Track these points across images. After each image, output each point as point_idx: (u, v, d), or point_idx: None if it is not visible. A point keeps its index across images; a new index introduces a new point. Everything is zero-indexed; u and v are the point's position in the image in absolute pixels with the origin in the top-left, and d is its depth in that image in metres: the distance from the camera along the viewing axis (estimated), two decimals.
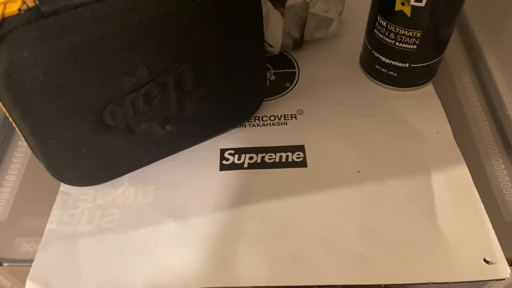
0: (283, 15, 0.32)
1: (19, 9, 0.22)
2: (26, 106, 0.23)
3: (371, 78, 0.35)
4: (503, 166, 0.30)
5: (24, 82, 0.22)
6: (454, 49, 0.37)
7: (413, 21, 0.29)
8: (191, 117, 0.28)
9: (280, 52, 0.36)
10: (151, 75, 0.25)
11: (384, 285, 0.25)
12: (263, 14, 0.27)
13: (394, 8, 0.29)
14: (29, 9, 0.22)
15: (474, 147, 0.31)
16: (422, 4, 0.28)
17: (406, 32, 0.30)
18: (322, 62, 0.36)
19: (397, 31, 0.30)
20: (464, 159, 0.29)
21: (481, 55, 0.36)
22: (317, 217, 0.27)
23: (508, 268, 0.25)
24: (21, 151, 0.31)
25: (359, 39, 0.35)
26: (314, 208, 0.27)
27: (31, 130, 0.24)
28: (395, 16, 0.30)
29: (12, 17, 0.22)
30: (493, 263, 0.25)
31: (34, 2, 0.22)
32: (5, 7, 0.22)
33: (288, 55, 0.36)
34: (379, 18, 0.31)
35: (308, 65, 0.36)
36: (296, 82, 0.35)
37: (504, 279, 0.25)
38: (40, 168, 0.28)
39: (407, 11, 0.29)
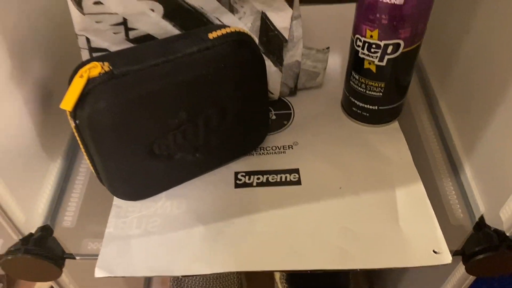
0: (281, 71, 0.42)
1: (99, 73, 0.32)
2: (100, 141, 0.33)
3: (350, 117, 0.44)
4: (450, 183, 0.39)
5: (101, 124, 0.32)
6: (414, 93, 0.47)
7: (378, 75, 0.39)
8: (214, 147, 0.38)
9: (279, 98, 0.46)
10: (188, 117, 0.34)
11: (359, 269, 0.34)
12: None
13: (364, 66, 0.39)
14: (106, 73, 0.32)
15: (428, 168, 0.40)
16: (384, 63, 0.38)
17: (373, 83, 0.40)
18: (311, 105, 0.46)
19: (366, 82, 0.40)
20: (420, 177, 0.39)
21: (435, 97, 0.46)
22: (309, 220, 0.36)
23: (450, 256, 0.34)
24: (82, 175, 0.40)
25: (339, 87, 0.46)
26: (307, 214, 0.37)
27: (101, 158, 0.34)
28: (365, 72, 0.40)
29: (94, 78, 0.31)
30: (439, 253, 0.34)
31: (109, 67, 0.32)
32: (89, 72, 0.32)
33: (285, 100, 0.46)
34: (353, 73, 0.41)
35: (301, 108, 0.46)
36: (292, 120, 0.44)
37: (447, 264, 0.33)
38: (97, 187, 0.38)
39: (373, 68, 0.39)
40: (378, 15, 0.35)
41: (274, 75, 0.42)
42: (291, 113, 0.45)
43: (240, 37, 0.35)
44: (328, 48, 0.44)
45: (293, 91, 0.46)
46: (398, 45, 0.37)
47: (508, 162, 0.33)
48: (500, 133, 0.35)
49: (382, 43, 0.37)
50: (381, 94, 0.41)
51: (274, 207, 0.37)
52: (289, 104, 0.46)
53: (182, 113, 0.34)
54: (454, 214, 0.37)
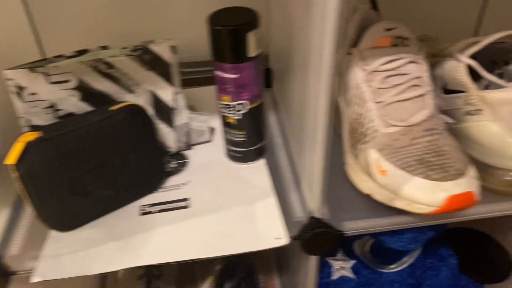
0: (173, 131, 0.59)
1: (35, 138, 0.47)
2: (36, 186, 0.47)
3: (229, 159, 0.61)
4: (296, 194, 0.55)
5: (36, 173, 0.46)
6: (276, 134, 0.65)
7: (238, 126, 0.56)
8: (122, 187, 0.52)
9: (178, 151, 0.62)
10: (98, 164, 0.50)
11: (225, 255, 0.48)
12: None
13: (227, 121, 0.56)
14: (38, 137, 0.47)
15: (282, 186, 0.56)
16: (240, 117, 0.55)
17: (237, 132, 0.57)
18: (204, 154, 0.62)
19: (232, 132, 0.57)
20: (277, 193, 0.55)
21: (286, 136, 0.64)
22: (191, 226, 0.51)
23: (287, 240, 0.49)
24: (26, 216, 0.54)
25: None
26: (191, 225, 0.51)
27: (37, 198, 0.48)
28: (229, 125, 0.57)
29: (30, 142, 0.47)
30: (280, 238, 0.49)
31: (41, 134, 0.48)
32: (26, 137, 0.47)
33: (183, 153, 0.62)
34: (223, 127, 0.58)
35: (196, 157, 0.62)
36: (187, 166, 0.60)
37: (285, 244, 0.48)
38: (39, 224, 0.51)
39: (233, 121, 0.56)
40: (225, 86, 0.53)
41: (169, 135, 0.59)
42: (186, 161, 0.61)
43: (132, 107, 0.52)
44: (207, 112, 0.61)
45: (188, 146, 0.62)
46: (244, 104, 0.54)
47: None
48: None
49: (232, 104, 0.54)
50: (245, 139, 0.58)
51: (169, 224, 0.52)
52: (186, 155, 0.62)
53: (93, 161, 0.49)
54: (297, 213, 0.53)
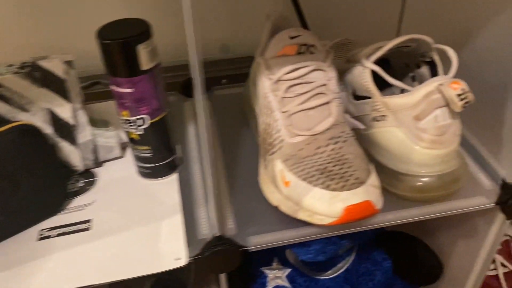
0: (77, 149, 0.56)
1: None
2: None
3: (140, 176, 0.58)
4: (204, 210, 0.53)
5: None
6: (192, 147, 0.63)
7: (142, 141, 0.54)
8: (17, 212, 0.49)
9: (86, 169, 0.59)
10: None
11: (121, 280, 0.45)
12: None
13: (131, 136, 0.54)
14: None
15: (191, 202, 0.54)
16: (142, 132, 0.53)
17: (142, 147, 0.55)
18: (114, 172, 0.60)
19: (136, 148, 0.55)
20: (185, 209, 0.53)
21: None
22: (88, 251, 0.48)
23: (186, 261, 0.47)
24: None
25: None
26: (92, 250, 0.49)
27: None
28: (133, 141, 0.54)
29: None
30: (180, 259, 0.47)
31: None
32: None
33: (91, 171, 0.60)
34: (130, 143, 0.56)
35: (106, 175, 0.59)
36: (95, 185, 0.57)
37: (184, 265, 0.46)
38: None
39: (136, 137, 0.54)
40: (122, 101, 0.51)
41: (72, 153, 0.56)
42: (94, 180, 0.58)
43: (23, 127, 0.49)
44: (112, 127, 0.59)
45: (98, 163, 0.60)
46: (144, 119, 0.52)
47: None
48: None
49: (132, 119, 0.52)
50: (152, 154, 0.55)
51: (67, 248, 0.49)
52: (94, 173, 0.59)
53: None
54: (203, 231, 0.51)
